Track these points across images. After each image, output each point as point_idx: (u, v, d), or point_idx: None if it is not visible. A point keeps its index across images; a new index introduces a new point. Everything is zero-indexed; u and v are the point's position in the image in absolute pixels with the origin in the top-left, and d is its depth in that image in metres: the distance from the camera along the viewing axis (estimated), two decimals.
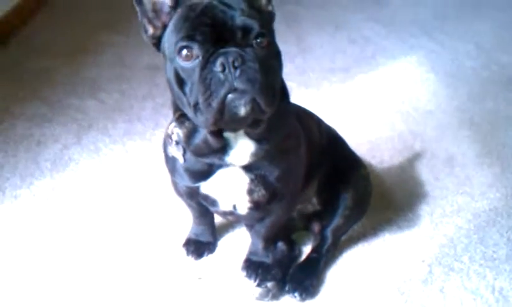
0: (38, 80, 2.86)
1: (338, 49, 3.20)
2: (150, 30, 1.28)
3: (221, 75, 1.12)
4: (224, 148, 1.31)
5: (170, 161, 1.48)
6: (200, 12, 1.19)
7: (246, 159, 1.33)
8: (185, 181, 1.47)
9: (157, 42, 1.29)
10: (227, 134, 1.29)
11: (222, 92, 1.13)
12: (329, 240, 1.71)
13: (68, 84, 2.82)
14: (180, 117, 1.36)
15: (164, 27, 1.27)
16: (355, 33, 3.41)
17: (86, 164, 2.23)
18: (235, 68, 1.12)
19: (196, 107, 1.18)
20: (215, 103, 1.13)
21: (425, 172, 2.15)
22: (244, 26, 1.16)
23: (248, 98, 1.14)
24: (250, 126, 1.25)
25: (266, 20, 1.29)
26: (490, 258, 1.76)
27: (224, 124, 1.21)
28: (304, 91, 2.76)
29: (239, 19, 1.17)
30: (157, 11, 1.27)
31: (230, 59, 1.12)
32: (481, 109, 2.56)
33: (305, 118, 1.70)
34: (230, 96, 1.13)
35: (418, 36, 3.33)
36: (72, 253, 1.82)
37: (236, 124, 1.24)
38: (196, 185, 1.45)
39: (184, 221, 1.87)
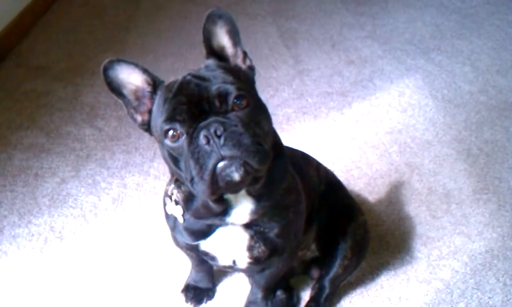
0: (36, 105, 2.86)
1: (336, 71, 3.19)
2: (139, 118, 1.29)
3: (207, 147, 1.13)
4: (225, 209, 1.32)
5: (170, 218, 1.49)
6: (175, 92, 1.20)
7: (246, 218, 1.34)
8: (185, 239, 1.47)
9: (148, 127, 1.31)
10: (228, 196, 1.30)
11: (211, 163, 1.13)
12: (327, 290, 1.72)
13: (66, 110, 2.82)
14: (178, 181, 1.37)
15: (150, 111, 1.28)
16: (352, 52, 3.40)
17: (84, 200, 2.24)
18: (219, 136, 1.13)
19: (192, 181, 1.19)
20: (206, 176, 1.14)
21: (422, 209, 2.16)
22: (219, 93, 1.17)
23: (239, 163, 1.14)
24: (249, 183, 1.26)
25: (246, 77, 1.31)
26: (486, 304, 1.78)
27: (223, 191, 1.22)
28: (301, 117, 2.76)
29: (213, 88, 1.17)
30: (139, 98, 1.28)
31: (212, 130, 1.13)
32: (478, 139, 2.56)
33: (304, 166, 1.71)
34: (220, 165, 1.14)
35: (415, 57, 3.32)
36: (71, 297, 1.83)
37: (235, 188, 1.25)
38: (196, 243, 1.46)
39: (183, 266, 1.89)
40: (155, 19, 3.88)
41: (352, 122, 2.73)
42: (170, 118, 1.17)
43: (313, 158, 1.84)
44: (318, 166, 1.83)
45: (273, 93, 2.95)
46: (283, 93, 2.97)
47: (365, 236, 1.76)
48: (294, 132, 2.64)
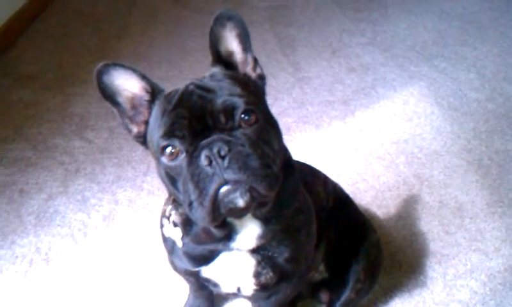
0: (23, 116, 2.71)
1: (337, 79, 3.07)
2: (134, 129, 1.17)
3: (209, 169, 1.00)
4: (228, 234, 1.18)
5: (168, 242, 1.36)
6: (175, 103, 1.08)
7: (252, 243, 1.21)
8: (184, 264, 1.34)
9: (144, 140, 1.17)
10: (231, 219, 1.16)
11: (212, 188, 1.00)
12: None
13: (55, 121, 2.67)
14: (176, 201, 1.23)
15: (147, 122, 1.15)
16: (353, 60, 3.28)
17: (72, 218, 2.09)
18: (222, 157, 1.00)
19: (190, 206, 1.05)
20: (207, 202, 1.01)
21: (434, 224, 2.02)
22: (225, 108, 1.04)
23: (244, 188, 1.01)
24: (256, 207, 1.12)
25: (255, 88, 1.18)
26: None
27: (225, 217, 1.09)
28: (302, 127, 2.63)
29: (219, 101, 1.04)
30: (135, 107, 1.16)
31: (215, 150, 1.00)
32: (489, 148, 2.44)
33: (311, 181, 1.57)
34: (222, 190, 1.01)
35: (418, 64, 3.21)
36: None
37: (239, 214, 1.12)
38: (197, 269, 1.32)
39: (180, 290, 1.74)
40: (149, 26, 3.75)
41: (355, 132, 2.60)
42: (168, 133, 1.04)
43: (320, 172, 1.71)
44: (325, 180, 1.69)
45: (272, 102, 2.81)
46: (282, 101, 2.84)
47: (378, 256, 1.63)
48: (294, 142, 2.51)
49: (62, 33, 3.65)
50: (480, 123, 2.64)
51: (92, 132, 2.59)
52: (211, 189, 1.00)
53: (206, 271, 1.31)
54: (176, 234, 1.29)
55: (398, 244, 1.94)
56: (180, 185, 1.07)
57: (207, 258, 1.28)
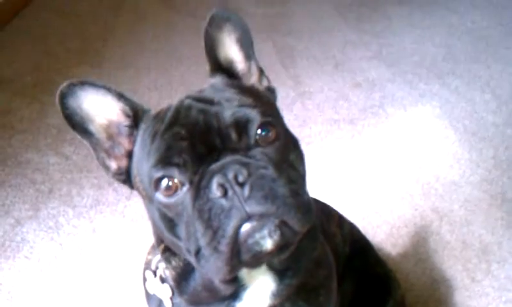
0: None
1: (341, 94, 2.82)
2: (113, 165, 0.93)
3: (224, 202, 0.76)
4: (235, 291, 0.93)
5: (152, 300, 1.10)
6: (169, 121, 0.84)
7: (264, 303, 0.95)
8: None
9: (127, 177, 0.93)
10: (240, 272, 0.90)
11: (231, 225, 0.76)
12: None
13: (28, 133, 2.40)
14: (166, 251, 0.97)
15: (130, 154, 0.91)
16: (358, 74, 3.04)
17: (42, 248, 1.84)
18: (241, 184, 0.76)
19: (198, 254, 0.80)
20: (224, 246, 0.76)
21: (458, 269, 1.78)
22: (236, 121, 0.81)
23: (273, 223, 0.77)
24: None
25: (269, 100, 0.95)
26: None
27: (246, 266, 0.84)
28: (305, 149, 2.35)
29: (228, 113, 0.81)
30: (113, 136, 0.92)
31: (230, 175, 0.76)
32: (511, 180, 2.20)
33: (325, 221, 1.32)
34: (245, 228, 0.76)
35: (428, 81, 2.97)
36: None
37: (260, 261, 0.86)
38: None
39: None
40: (137, 29, 3.48)
41: (364, 156, 2.35)
42: (163, 161, 0.80)
43: (334, 209, 1.47)
44: (340, 220, 1.45)
45: None
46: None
47: None
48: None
49: (42, 33, 3.37)
50: (500, 150, 2.40)
51: (70, 146, 2.32)
52: (230, 228, 0.76)
53: None
54: (163, 292, 1.03)
55: (418, 293, 1.69)
56: (181, 229, 0.82)
57: None
